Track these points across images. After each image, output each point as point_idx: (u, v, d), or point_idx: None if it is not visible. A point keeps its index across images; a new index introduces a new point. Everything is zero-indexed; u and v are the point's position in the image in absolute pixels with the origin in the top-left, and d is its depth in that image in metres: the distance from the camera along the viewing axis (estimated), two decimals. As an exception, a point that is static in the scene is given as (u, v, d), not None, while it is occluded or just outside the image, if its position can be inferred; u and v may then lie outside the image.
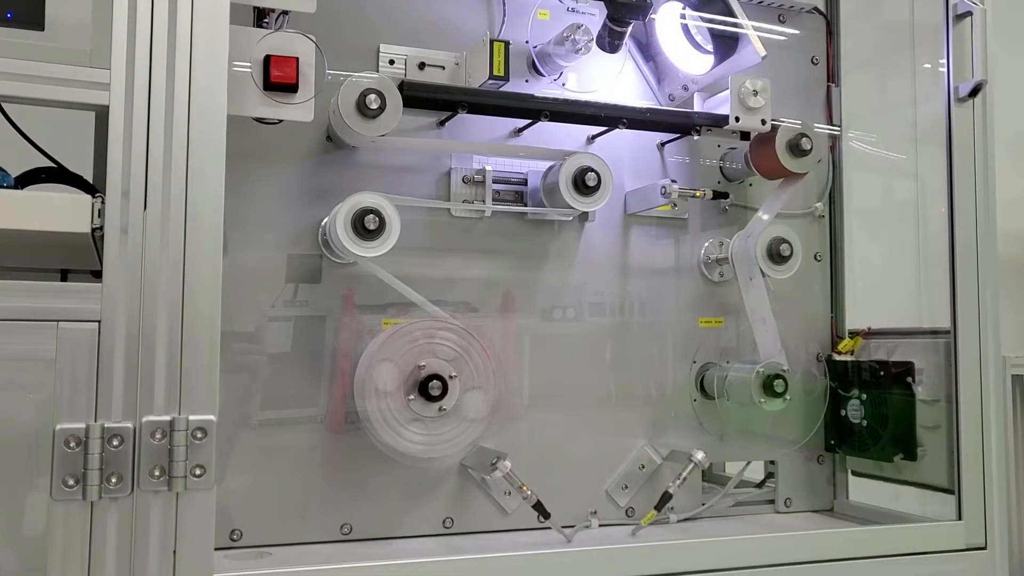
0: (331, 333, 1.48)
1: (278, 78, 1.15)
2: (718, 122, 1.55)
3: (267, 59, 1.16)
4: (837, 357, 1.73)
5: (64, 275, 1.53)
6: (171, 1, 1.08)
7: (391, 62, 1.54)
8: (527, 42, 1.63)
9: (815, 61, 1.86)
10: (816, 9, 1.84)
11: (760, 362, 1.57)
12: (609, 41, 1.43)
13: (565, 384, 1.63)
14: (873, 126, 1.89)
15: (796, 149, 1.58)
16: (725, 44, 1.58)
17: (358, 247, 1.33)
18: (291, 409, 1.45)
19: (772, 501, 1.77)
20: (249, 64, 1.16)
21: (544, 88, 1.63)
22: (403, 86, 1.36)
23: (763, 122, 1.56)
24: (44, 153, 1.47)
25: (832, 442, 1.72)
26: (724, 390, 1.64)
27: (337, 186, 1.48)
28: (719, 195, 1.64)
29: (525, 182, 1.60)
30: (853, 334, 1.78)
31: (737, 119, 1.54)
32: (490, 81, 1.44)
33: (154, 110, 1.07)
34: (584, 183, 1.45)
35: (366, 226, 1.31)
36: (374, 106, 1.32)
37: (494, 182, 1.57)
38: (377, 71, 1.53)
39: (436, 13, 1.59)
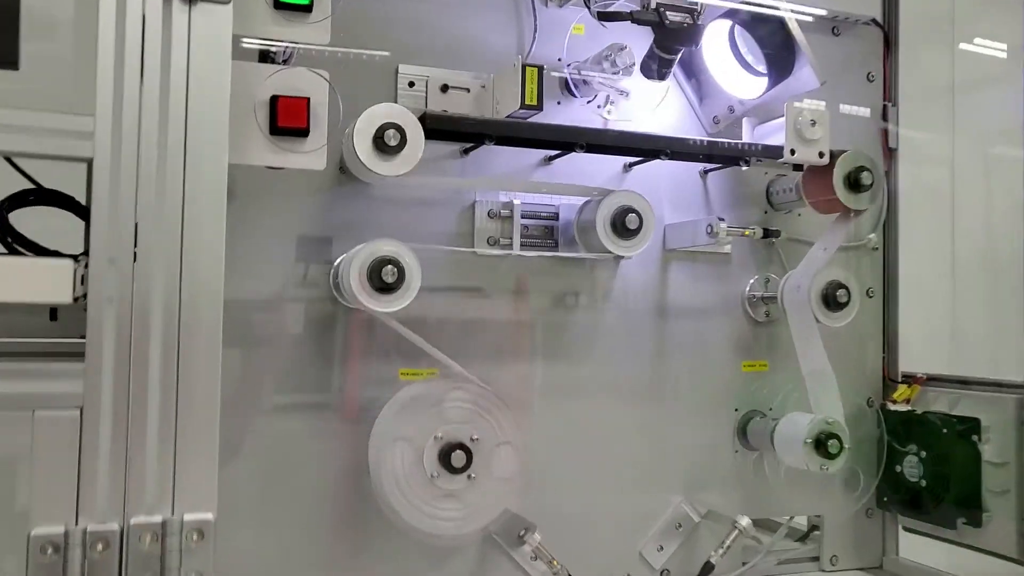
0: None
1: (287, 123, 1.01)
2: (772, 154, 1.40)
3: (274, 100, 1.01)
4: (892, 406, 1.59)
5: (54, 314, 1.40)
6: (164, 36, 0.94)
7: (411, 84, 1.40)
8: (560, 60, 1.49)
9: (871, 77, 1.70)
10: (874, 21, 1.69)
11: (813, 418, 1.43)
12: (657, 69, 1.28)
13: (597, 434, 1.50)
14: (935, 148, 1.74)
15: (855, 184, 1.43)
16: (779, 65, 1.43)
17: (374, 301, 1.19)
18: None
19: (817, 558, 1.65)
20: (253, 104, 1.02)
21: (578, 110, 1.48)
22: (425, 119, 1.22)
23: (820, 155, 1.41)
24: (28, 177, 1.32)
25: (884, 499, 1.59)
26: (770, 444, 1.50)
27: (351, 221, 1.34)
28: (769, 233, 1.49)
29: (556, 216, 1.46)
30: (907, 378, 1.64)
31: (793, 152, 1.39)
32: (521, 110, 1.30)
33: (144, 163, 0.93)
34: (624, 225, 1.31)
35: (383, 278, 1.18)
36: (393, 142, 1.18)
37: (522, 217, 1.43)
38: (396, 94, 1.39)
39: (460, 29, 1.44)
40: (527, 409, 1.45)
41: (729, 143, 1.40)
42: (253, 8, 1.02)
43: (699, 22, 1.23)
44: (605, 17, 1.24)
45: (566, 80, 1.48)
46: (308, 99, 1.03)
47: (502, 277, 1.43)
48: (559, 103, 1.49)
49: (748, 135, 1.49)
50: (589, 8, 1.24)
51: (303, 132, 1.03)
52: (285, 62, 1.09)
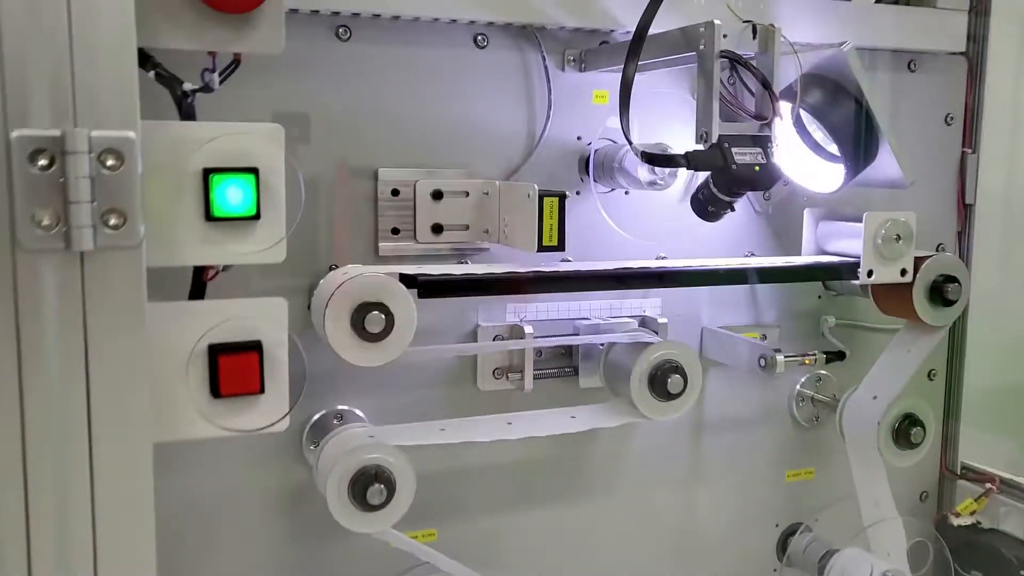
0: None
1: (234, 388, 0.74)
2: (843, 275, 1.14)
3: (214, 355, 0.74)
4: (954, 520, 1.39)
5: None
6: (46, 299, 0.66)
7: (394, 193, 1.10)
8: (579, 138, 1.19)
9: (949, 120, 1.41)
10: (963, 54, 1.37)
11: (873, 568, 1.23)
12: (712, 212, 0.99)
13: (623, 566, 1.31)
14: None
15: (939, 296, 1.18)
16: (857, 154, 1.14)
17: (356, 522, 0.95)
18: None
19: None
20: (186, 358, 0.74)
21: (598, 201, 1.20)
22: (419, 284, 0.94)
23: (904, 272, 1.14)
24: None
25: (939, 617, 1.42)
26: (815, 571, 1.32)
27: (325, 371, 1.09)
28: (834, 356, 1.25)
29: (576, 334, 1.20)
30: (969, 472, 1.44)
31: (871, 273, 1.12)
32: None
33: (34, 481, 0.68)
34: (664, 386, 1.06)
35: (368, 500, 0.94)
36: (376, 328, 0.91)
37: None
38: (376, 206, 1.10)
39: (457, 109, 1.13)
40: (544, 561, 1.25)
41: (791, 266, 1.13)
42: (176, 225, 0.73)
43: (774, 159, 0.93)
44: (652, 160, 0.95)
45: (586, 162, 1.19)
46: (260, 347, 0.75)
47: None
48: (578, 192, 1.20)
49: (810, 233, 1.22)
50: (631, 144, 0.94)
51: (258, 392, 0.76)
52: (225, 268, 0.80)
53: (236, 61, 0.79)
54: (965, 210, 1.43)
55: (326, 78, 1.06)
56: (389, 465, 0.95)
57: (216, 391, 0.74)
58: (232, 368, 0.73)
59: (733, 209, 0.98)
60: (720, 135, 0.91)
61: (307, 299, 1.07)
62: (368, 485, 0.93)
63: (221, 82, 0.79)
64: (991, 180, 1.42)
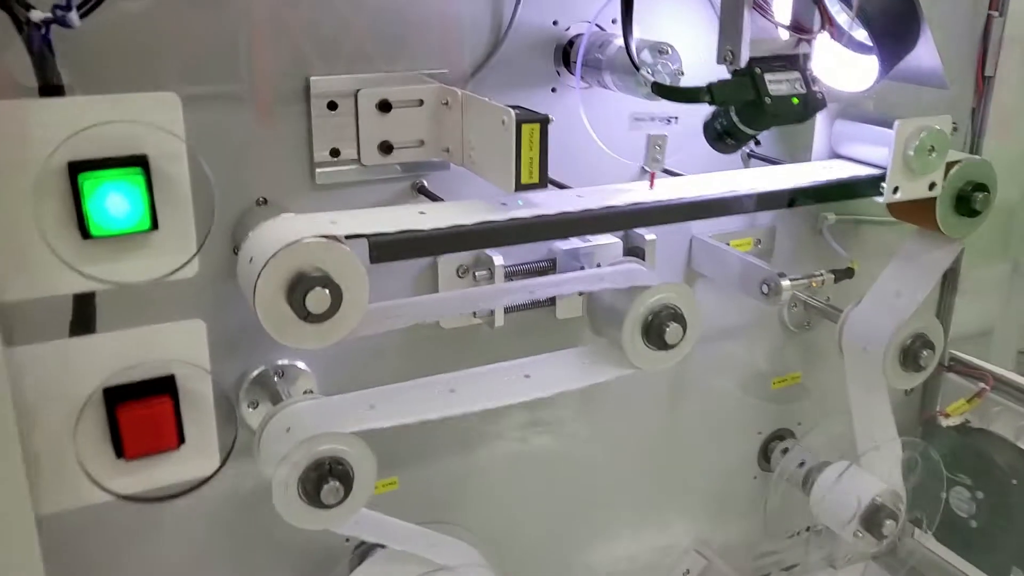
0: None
1: (143, 448, 0.56)
2: (864, 191, 0.98)
3: (112, 405, 0.56)
4: (944, 421, 1.32)
5: None
6: None
7: (331, 106, 0.88)
8: (555, 23, 0.97)
9: (978, -22, 1.21)
10: None
11: (869, 493, 1.16)
12: (729, 142, 0.79)
13: (600, 497, 1.22)
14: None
15: (964, 207, 1.03)
16: (892, 45, 0.94)
17: (306, 518, 0.81)
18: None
19: (829, 555, 1.47)
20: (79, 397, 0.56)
21: (578, 100, 1.00)
22: (372, 247, 0.76)
23: (932, 186, 0.99)
24: None
25: (918, 515, 1.38)
26: (801, 485, 1.25)
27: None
28: (843, 274, 1.11)
29: (553, 266, 1.04)
30: (957, 364, 1.36)
31: (896, 190, 0.96)
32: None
33: None
34: (660, 336, 0.91)
35: (323, 499, 0.79)
36: (320, 308, 0.73)
37: (507, 278, 1.01)
38: (309, 125, 0.88)
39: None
40: (516, 493, 1.15)
41: (802, 188, 0.95)
42: (38, 247, 0.53)
43: (817, 87, 0.74)
44: (666, 93, 0.74)
45: (564, 51, 0.98)
46: (173, 385, 0.57)
47: (480, 351, 1.03)
48: (554, 90, 0.99)
49: (823, 134, 1.04)
50: (639, 72, 0.72)
51: (174, 448, 0.59)
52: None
53: (101, -7, 0.56)
54: (984, 83, 1.26)
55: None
56: (346, 456, 0.80)
57: (120, 451, 0.57)
58: (137, 422, 0.56)
59: (758, 143, 0.79)
60: (750, 59, 0.71)
61: (231, 241, 0.88)
62: (322, 482, 0.79)
63: (82, 17, 0.57)
64: (1017, 49, 1.24)
